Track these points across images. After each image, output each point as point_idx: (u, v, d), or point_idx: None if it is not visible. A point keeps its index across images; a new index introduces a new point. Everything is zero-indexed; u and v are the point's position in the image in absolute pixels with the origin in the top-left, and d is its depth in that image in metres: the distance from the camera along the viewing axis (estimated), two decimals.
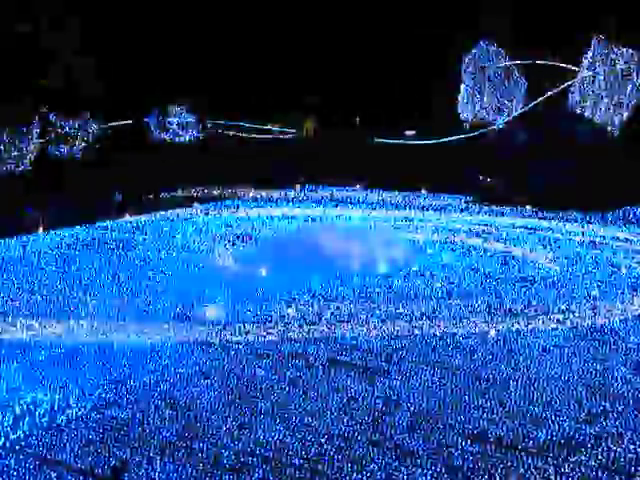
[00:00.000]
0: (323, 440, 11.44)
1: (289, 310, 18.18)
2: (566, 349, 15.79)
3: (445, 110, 44.57)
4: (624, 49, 41.29)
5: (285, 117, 53.45)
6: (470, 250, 26.46)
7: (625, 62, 41.28)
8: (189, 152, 45.33)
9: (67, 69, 41.91)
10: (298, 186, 43.25)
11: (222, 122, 50.97)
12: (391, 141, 47.82)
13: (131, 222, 31.21)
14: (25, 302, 18.47)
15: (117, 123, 44.25)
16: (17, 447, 11.08)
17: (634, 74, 41.39)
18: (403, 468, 10.64)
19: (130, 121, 45.23)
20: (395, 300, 19.37)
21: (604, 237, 29.22)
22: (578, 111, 42.42)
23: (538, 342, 16.25)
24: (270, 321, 17.32)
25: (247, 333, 16.40)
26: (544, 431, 11.83)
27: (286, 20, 48.64)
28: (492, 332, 16.85)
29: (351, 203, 37.87)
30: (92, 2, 42.85)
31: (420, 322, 17.50)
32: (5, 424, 11.70)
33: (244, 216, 33.50)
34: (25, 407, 12.30)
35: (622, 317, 18.28)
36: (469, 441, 11.48)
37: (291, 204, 37.18)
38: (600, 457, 11.03)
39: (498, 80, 44.52)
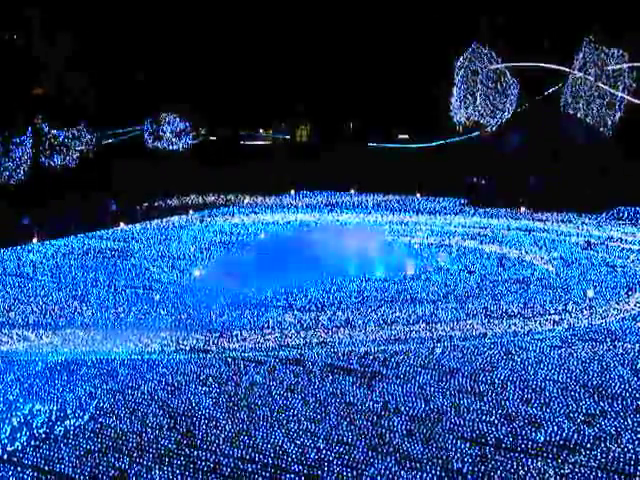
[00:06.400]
0: (322, 446, 11.42)
1: (286, 316, 18.14)
2: (563, 350, 15.79)
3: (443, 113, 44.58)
4: (614, 50, 41.38)
5: (278, 124, 53.55)
6: (465, 252, 26.45)
7: (616, 63, 41.38)
8: (184, 159, 45.27)
9: (60, 79, 41.87)
10: (293, 191, 43.24)
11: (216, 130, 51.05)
12: (384, 145, 47.93)
13: (126, 231, 31.10)
14: (20, 313, 18.43)
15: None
16: (14, 459, 11.03)
17: (625, 75, 41.50)
18: (403, 472, 10.63)
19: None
20: (391, 304, 19.36)
21: (599, 237, 29.26)
22: (570, 112, 42.48)
23: (535, 343, 16.25)
24: (267, 327, 17.30)
25: (244, 340, 16.37)
26: (543, 433, 11.83)
27: (279, 28, 48.74)
28: (489, 334, 16.84)
29: (346, 208, 37.83)
30: (85, 12, 42.87)
31: (417, 326, 17.49)
32: (2, 435, 11.64)
33: (239, 223, 33.44)
34: (22, 418, 12.25)
35: (619, 317, 18.29)
36: (468, 444, 11.47)
37: (286, 210, 37.13)
38: (599, 458, 11.04)
39: (490, 83, 44.54)
